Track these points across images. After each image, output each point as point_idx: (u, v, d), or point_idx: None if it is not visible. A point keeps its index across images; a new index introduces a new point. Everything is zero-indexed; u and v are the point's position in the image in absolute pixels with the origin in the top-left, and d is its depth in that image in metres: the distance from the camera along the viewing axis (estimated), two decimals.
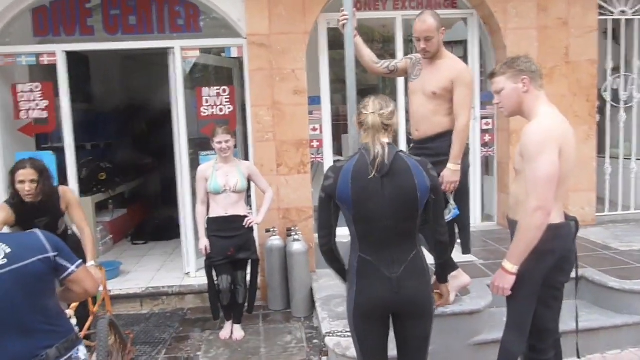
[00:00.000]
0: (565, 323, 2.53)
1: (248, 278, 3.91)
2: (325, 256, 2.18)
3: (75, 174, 4.71)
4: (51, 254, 1.78)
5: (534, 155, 2.08)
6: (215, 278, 3.83)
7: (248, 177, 3.82)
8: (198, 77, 5.19)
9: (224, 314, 3.92)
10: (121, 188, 6.75)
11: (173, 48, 4.59)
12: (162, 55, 4.74)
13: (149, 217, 7.02)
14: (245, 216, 3.78)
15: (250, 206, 4.59)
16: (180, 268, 4.97)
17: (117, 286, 4.64)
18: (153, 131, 7.79)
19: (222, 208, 3.70)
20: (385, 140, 2.03)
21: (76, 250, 3.00)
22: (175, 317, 4.36)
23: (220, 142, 3.68)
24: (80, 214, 3.26)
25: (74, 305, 2.69)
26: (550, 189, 2.05)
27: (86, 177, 5.80)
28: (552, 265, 2.18)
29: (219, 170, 3.72)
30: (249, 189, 4.02)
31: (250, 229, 3.83)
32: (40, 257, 1.75)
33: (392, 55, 5.09)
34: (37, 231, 1.85)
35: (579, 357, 2.51)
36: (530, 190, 2.09)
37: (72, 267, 1.86)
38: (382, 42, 6.45)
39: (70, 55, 4.64)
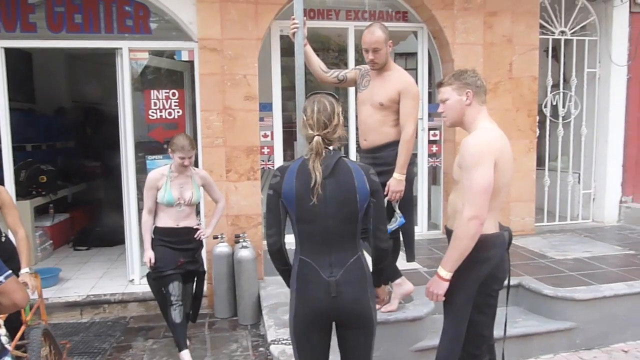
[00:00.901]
0: (501, 329, 2.62)
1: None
2: (272, 257, 2.16)
3: (11, 176, 4.48)
4: None
5: (471, 166, 2.16)
6: (164, 289, 3.49)
7: (202, 186, 3.61)
8: (148, 79, 5.06)
9: (178, 341, 3.42)
10: (63, 192, 6.48)
11: (121, 49, 4.47)
12: (110, 56, 4.60)
13: (92, 222, 6.76)
14: (197, 229, 3.58)
15: (199, 213, 4.48)
16: (124, 275, 4.81)
17: (55, 294, 4.46)
18: (100, 133, 7.54)
19: (172, 220, 3.45)
20: (330, 148, 2.05)
21: (11, 257, 2.87)
22: (117, 326, 4.21)
23: (183, 158, 3.34)
24: (14, 215, 3.05)
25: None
26: (485, 199, 2.13)
27: (25, 179, 5.53)
28: (486, 273, 2.26)
29: (173, 181, 3.41)
30: None
31: (200, 241, 3.65)
32: None
33: (346, 65, 5.17)
34: None
35: None
36: (465, 201, 2.16)
37: (0, 278, 1.76)
38: (337, 51, 6.53)
39: (11, 52, 4.43)
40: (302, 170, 2.02)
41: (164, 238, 3.45)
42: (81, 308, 4.37)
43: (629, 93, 5.82)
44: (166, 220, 3.44)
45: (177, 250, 3.45)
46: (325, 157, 2.01)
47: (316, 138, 2.01)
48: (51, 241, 5.86)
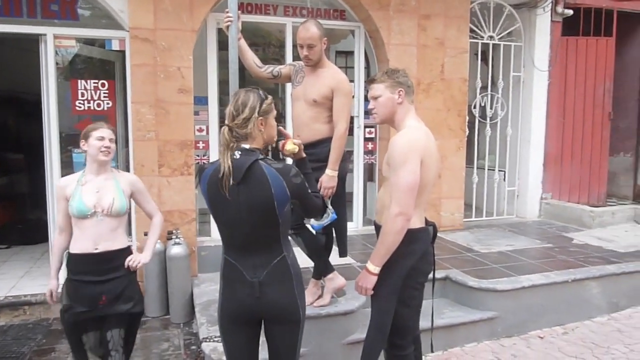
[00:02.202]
0: (427, 320, 2.73)
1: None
2: None
3: None
4: None
5: (398, 164, 2.23)
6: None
7: (130, 195, 2.67)
8: (75, 68, 4.81)
9: None
10: None
11: (45, 35, 4.22)
12: (35, 42, 4.32)
13: (14, 219, 6.35)
14: (125, 250, 2.62)
15: (130, 233, 4.23)
16: (47, 274, 4.50)
17: None
18: (23, 124, 7.09)
19: (90, 240, 2.49)
20: (246, 146, 1.98)
21: None
22: (38, 329, 3.99)
23: (102, 138, 2.52)
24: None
25: None
26: (411, 196, 2.21)
27: None
28: (410, 266, 2.34)
29: (85, 185, 2.53)
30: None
31: (133, 271, 2.65)
32: None
33: (284, 60, 5.16)
34: None
35: (432, 351, 2.72)
36: (392, 197, 2.23)
37: None
38: (278, 47, 6.50)
39: None
40: (213, 176, 1.97)
41: (78, 270, 2.52)
42: None
43: (549, 97, 6.21)
44: (82, 241, 2.51)
45: (97, 284, 2.50)
46: (240, 158, 1.95)
47: (223, 128, 1.97)
48: None
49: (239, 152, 1.96)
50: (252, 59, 3.28)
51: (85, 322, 2.54)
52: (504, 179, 6.34)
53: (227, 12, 2.94)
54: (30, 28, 4.23)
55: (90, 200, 2.50)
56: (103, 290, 2.51)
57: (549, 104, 6.23)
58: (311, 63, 3.14)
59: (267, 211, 1.96)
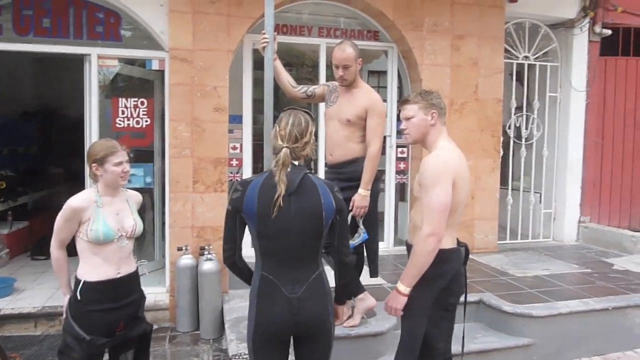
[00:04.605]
0: (459, 344, 2.66)
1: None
2: (230, 269, 2.19)
3: None
4: None
5: (430, 185, 2.23)
6: None
7: None
8: (116, 87, 4.99)
9: None
10: (24, 198, 6.28)
11: (89, 55, 4.41)
12: (78, 61, 4.53)
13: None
14: (137, 270, 2.59)
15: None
16: None
17: (9, 305, 4.28)
18: (64, 139, 7.37)
19: (112, 266, 2.41)
20: (295, 162, 2.06)
21: None
22: None
23: (120, 163, 2.42)
24: None
25: None
26: (443, 217, 2.20)
27: None
28: (442, 287, 2.31)
29: (105, 207, 2.42)
30: None
31: (141, 289, 2.62)
32: None
33: (318, 80, 5.22)
34: None
35: None
36: (424, 218, 2.22)
37: None
38: (312, 67, 6.60)
39: None
40: (266, 185, 2.02)
41: (97, 298, 2.37)
42: (35, 320, 4.20)
43: (587, 117, 6.07)
44: (102, 268, 2.39)
45: (115, 310, 2.42)
46: (291, 172, 2.02)
47: (284, 150, 2.03)
48: (8, 250, 5.65)
49: (290, 167, 2.04)
50: (287, 79, 3.34)
51: (97, 351, 2.43)
52: (540, 201, 6.19)
53: (264, 34, 3.00)
54: (75, 48, 4.42)
55: (114, 224, 2.42)
56: (121, 315, 2.46)
57: (587, 125, 6.09)
58: (346, 83, 3.17)
59: (315, 220, 2.01)
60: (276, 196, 1.97)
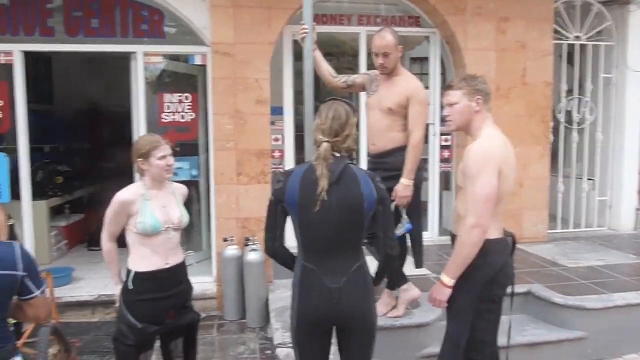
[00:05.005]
0: (512, 337, 2.60)
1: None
2: (272, 257, 2.22)
3: (28, 177, 4.58)
4: (20, 273, 1.74)
5: (475, 174, 2.16)
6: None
7: None
8: (161, 82, 5.13)
9: None
10: (79, 192, 6.59)
11: (135, 53, 4.56)
12: (125, 59, 4.68)
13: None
14: (184, 260, 2.66)
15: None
16: None
17: (68, 293, 4.53)
18: (116, 135, 7.64)
19: (160, 256, 2.48)
20: (336, 154, 2.05)
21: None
22: None
23: (164, 157, 2.49)
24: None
25: None
26: (488, 207, 2.13)
27: (41, 180, 5.64)
28: (488, 278, 2.25)
29: (151, 200, 2.49)
30: None
31: (189, 279, 2.69)
32: (6, 272, 1.71)
33: (358, 69, 5.17)
34: (16, 244, 1.79)
35: None
36: (469, 208, 2.16)
37: (37, 292, 1.82)
38: (352, 56, 6.55)
39: (31, 55, 4.54)
40: (307, 176, 2.03)
41: (147, 288, 2.45)
42: (93, 307, 4.43)
43: None
44: (151, 259, 2.46)
45: (165, 299, 2.50)
46: (332, 163, 2.01)
47: (325, 145, 2.02)
48: (66, 241, 5.96)
49: (331, 158, 2.03)
50: (327, 69, 3.33)
51: (146, 341, 2.49)
52: (594, 189, 5.91)
53: (303, 24, 3.00)
54: (123, 47, 4.58)
55: (161, 216, 2.47)
56: (170, 304, 2.52)
57: None
58: (386, 71, 3.12)
59: (356, 211, 2.00)
60: (319, 190, 1.97)
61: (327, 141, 2.03)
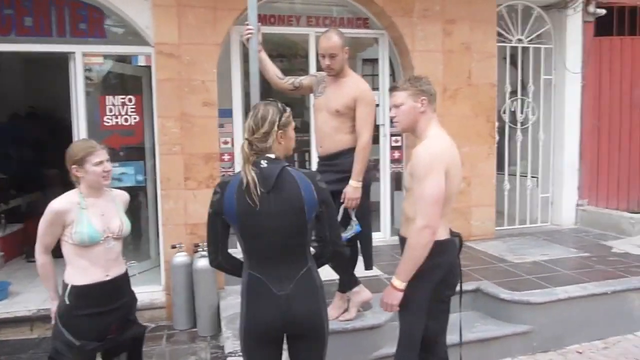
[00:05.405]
0: (456, 334, 2.63)
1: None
2: (218, 269, 2.17)
3: None
4: None
5: (422, 176, 2.16)
6: None
7: None
8: (103, 84, 4.91)
9: None
10: (17, 201, 6.23)
11: (74, 53, 4.33)
12: (67, 60, 4.44)
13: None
14: (126, 272, 2.51)
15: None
16: None
17: (4, 309, 4.26)
18: (57, 140, 7.29)
19: (101, 268, 2.34)
20: (271, 156, 1.99)
21: None
22: None
23: (101, 162, 2.35)
24: None
25: None
26: (437, 209, 2.14)
27: None
28: (438, 279, 2.26)
29: (89, 209, 2.34)
30: None
31: (133, 292, 2.56)
32: None
33: (309, 71, 5.14)
34: None
35: None
36: (417, 210, 2.16)
37: None
38: (305, 57, 6.53)
39: None
40: (241, 184, 1.96)
41: (87, 303, 2.31)
42: (32, 323, 4.18)
43: (583, 99, 5.99)
44: (90, 271, 2.32)
45: (106, 314, 2.36)
46: (268, 167, 1.95)
47: (243, 142, 1.99)
48: (2, 253, 5.60)
49: (266, 162, 1.97)
50: (273, 70, 3.27)
51: (90, 358, 2.37)
52: (537, 186, 6.13)
53: (247, 25, 2.93)
54: (59, 47, 4.34)
55: (99, 225, 2.34)
56: (112, 319, 2.39)
57: (583, 107, 6.01)
58: (333, 73, 3.10)
59: (297, 215, 1.95)
60: (253, 198, 1.91)
61: (246, 139, 1.99)
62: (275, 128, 1.99)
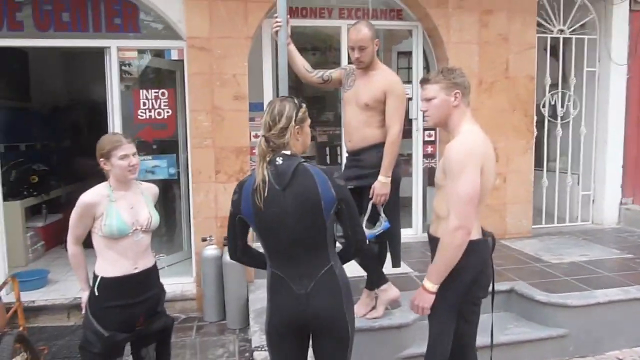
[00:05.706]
0: (487, 336, 2.53)
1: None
2: (239, 263, 2.21)
3: None
4: None
5: (457, 173, 2.06)
6: None
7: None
8: (137, 78, 5.00)
9: None
10: (57, 192, 6.43)
11: (109, 47, 4.42)
12: (99, 54, 4.54)
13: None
14: (155, 265, 2.54)
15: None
16: None
17: (42, 296, 4.40)
18: (96, 132, 7.49)
19: (129, 260, 2.38)
20: (287, 152, 1.95)
21: None
22: None
23: (126, 156, 2.37)
24: None
25: None
26: (472, 208, 2.05)
27: (15, 179, 5.48)
28: (470, 280, 2.17)
29: (118, 201, 2.38)
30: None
31: (161, 284, 2.58)
32: None
33: (339, 64, 5.08)
34: None
35: None
36: (451, 209, 2.07)
37: None
38: (337, 50, 6.47)
39: (5, 51, 4.37)
40: (254, 184, 1.94)
41: (114, 295, 2.34)
42: (68, 311, 4.31)
43: (628, 92, 5.70)
44: (119, 263, 2.36)
45: (134, 306, 2.39)
46: (283, 163, 1.92)
47: (260, 139, 1.96)
48: (43, 242, 5.81)
49: (281, 159, 1.93)
50: (302, 63, 3.22)
51: (119, 348, 2.40)
52: (578, 183, 5.89)
53: (276, 17, 2.90)
54: (95, 41, 4.44)
55: (128, 217, 2.37)
56: (140, 310, 2.41)
57: (628, 100, 5.72)
58: (363, 65, 3.03)
59: (314, 212, 1.91)
60: (264, 196, 1.89)
61: (263, 135, 1.96)
62: (293, 123, 1.95)
